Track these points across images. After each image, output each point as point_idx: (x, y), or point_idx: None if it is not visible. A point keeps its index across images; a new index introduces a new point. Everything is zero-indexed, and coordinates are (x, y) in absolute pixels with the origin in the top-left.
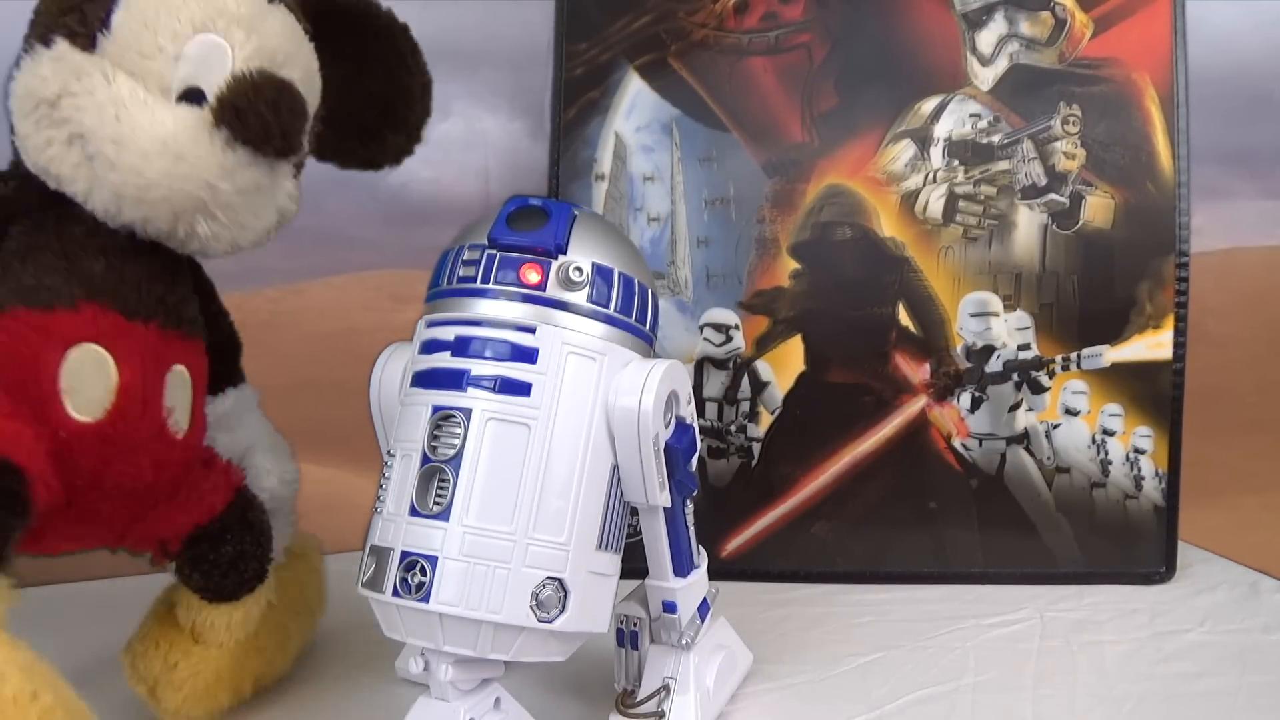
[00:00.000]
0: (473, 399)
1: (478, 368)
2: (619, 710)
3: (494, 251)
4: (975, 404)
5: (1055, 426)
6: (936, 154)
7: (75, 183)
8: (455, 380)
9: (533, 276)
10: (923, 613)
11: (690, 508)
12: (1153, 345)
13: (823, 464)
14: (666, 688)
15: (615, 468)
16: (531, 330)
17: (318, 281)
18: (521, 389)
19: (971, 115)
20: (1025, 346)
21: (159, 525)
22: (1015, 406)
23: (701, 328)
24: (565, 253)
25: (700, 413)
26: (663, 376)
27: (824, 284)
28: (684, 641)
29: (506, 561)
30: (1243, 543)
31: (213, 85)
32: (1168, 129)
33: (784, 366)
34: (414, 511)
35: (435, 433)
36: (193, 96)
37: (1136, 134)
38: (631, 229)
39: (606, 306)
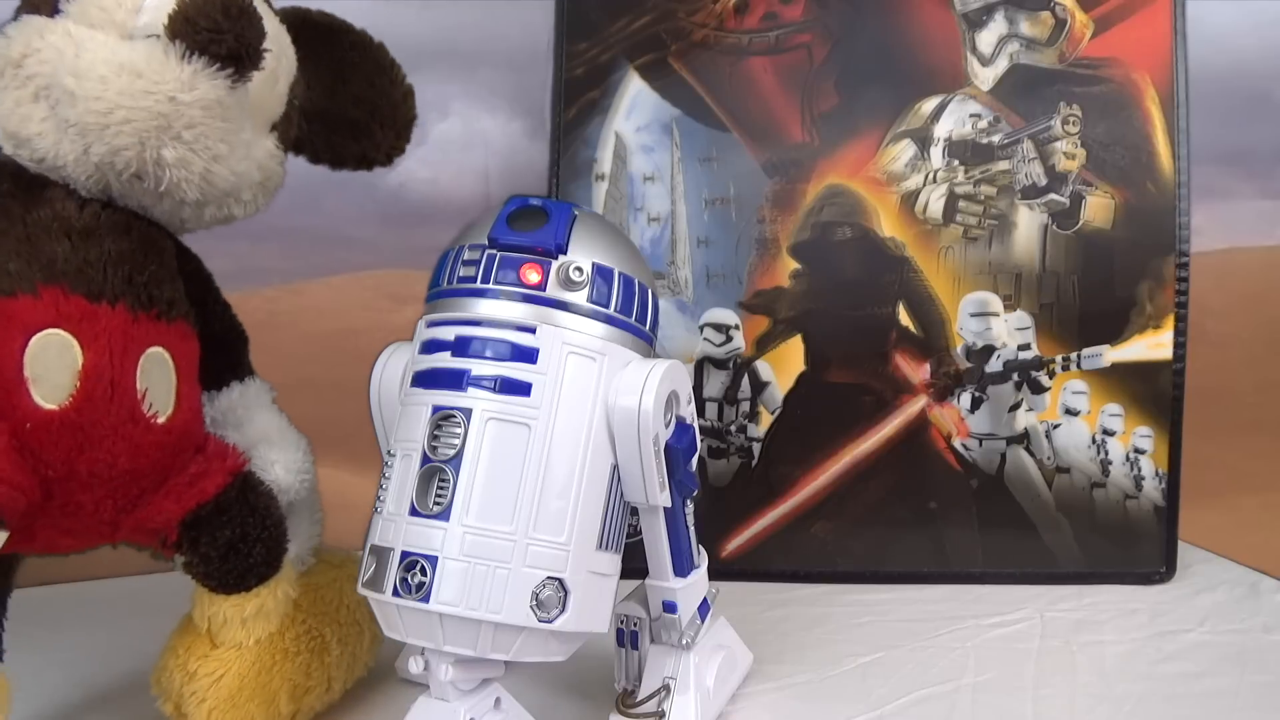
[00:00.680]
0: (473, 399)
1: (478, 368)
2: (619, 710)
3: (494, 251)
4: (975, 404)
5: (1055, 426)
6: (936, 154)
7: (43, 138)
8: (455, 380)
9: (533, 276)
10: (923, 613)
11: (690, 508)
12: (1153, 345)
13: (823, 464)
14: (666, 688)
15: (615, 468)
16: (532, 330)
17: (316, 281)
18: (522, 389)
19: (972, 115)
20: (1025, 346)
21: (151, 515)
22: (1015, 406)
23: (701, 328)
24: (565, 253)
25: (700, 413)
26: (663, 376)
27: (824, 284)
28: (684, 641)
29: (507, 561)
30: (1241, 543)
31: None
32: (1168, 129)
33: (784, 366)
34: (414, 511)
35: (435, 433)
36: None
37: (1136, 134)
38: (631, 229)
39: (607, 306)
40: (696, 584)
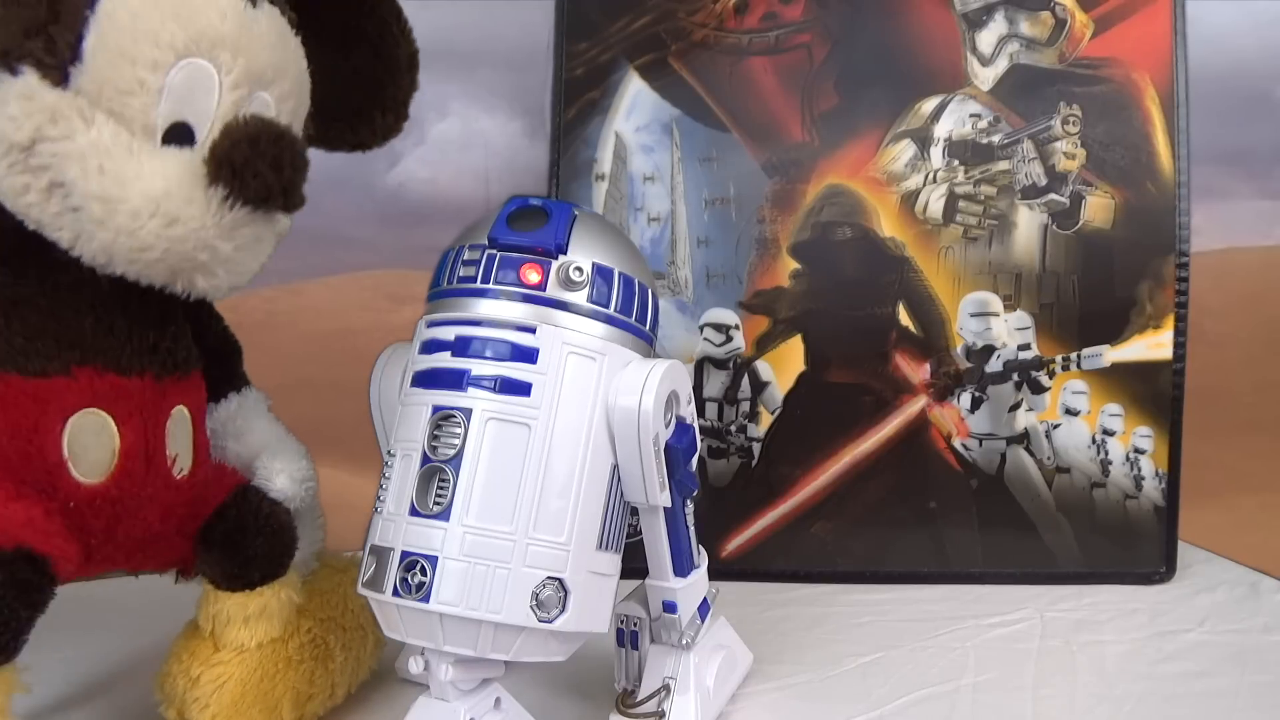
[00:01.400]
0: (473, 399)
1: (478, 368)
2: (619, 710)
3: (494, 251)
4: (975, 404)
5: (1055, 426)
6: (936, 154)
7: (59, 230)
8: (455, 380)
9: (533, 276)
10: (923, 613)
11: (690, 508)
12: (1153, 345)
13: (823, 464)
14: (666, 688)
15: (615, 467)
16: (532, 330)
17: (315, 281)
18: (522, 389)
19: (971, 115)
20: (1025, 346)
21: (169, 554)
22: (1015, 406)
23: (701, 328)
24: (565, 253)
25: (700, 413)
26: (663, 376)
27: (824, 284)
28: (684, 641)
29: (506, 561)
30: (1240, 543)
31: (200, 118)
32: (1168, 129)
33: (784, 366)
34: (414, 511)
35: (435, 433)
36: (179, 133)
37: (1136, 134)
38: (631, 229)
39: (607, 306)
40: (696, 584)
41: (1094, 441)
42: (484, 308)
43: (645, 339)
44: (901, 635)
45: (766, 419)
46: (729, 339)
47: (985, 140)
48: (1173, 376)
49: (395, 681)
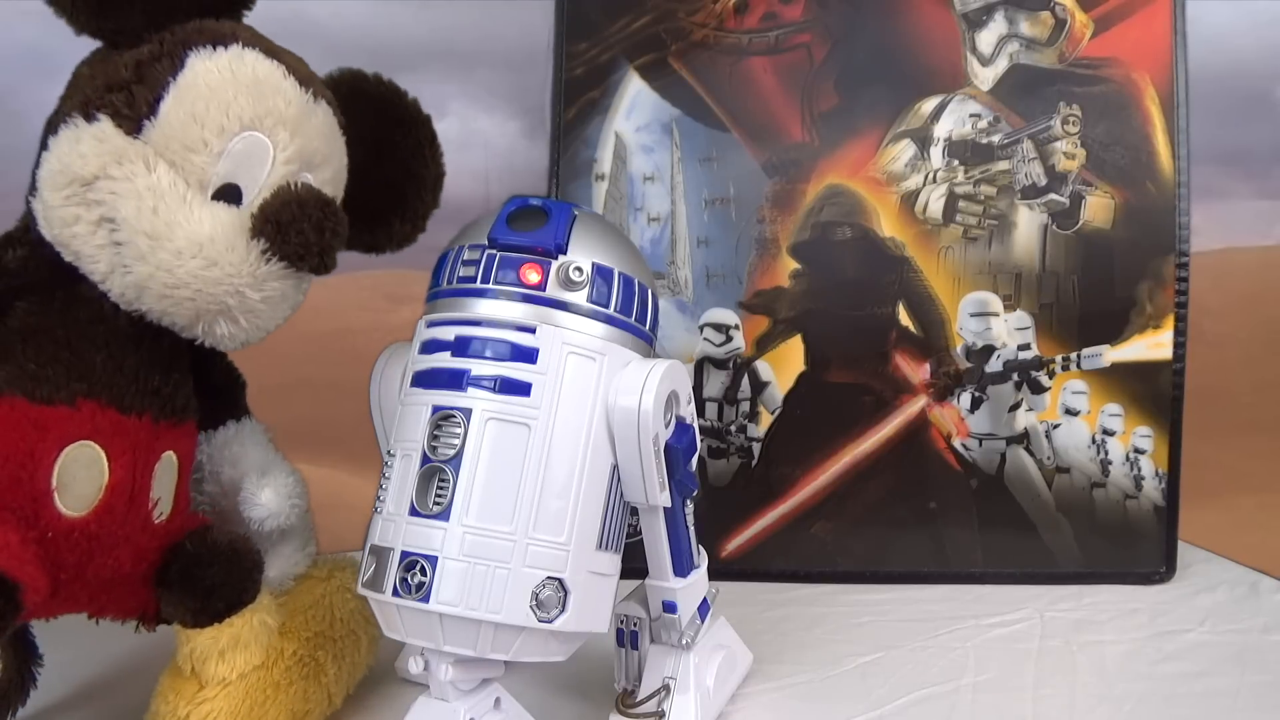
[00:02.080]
0: (473, 399)
1: (478, 368)
2: (619, 710)
3: (494, 251)
4: (975, 404)
5: (1055, 426)
6: (936, 154)
7: (95, 262)
8: (455, 380)
9: (533, 276)
10: (923, 613)
11: (690, 508)
12: (1153, 345)
13: (823, 464)
14: (666, 688)
15: (615, 467)
16: (531, 330)
17: (313, 281)
18: (521, 389)
19: (971, 115)
20: (1025, 346)
21: (133, 602)
22: (1015, 406)
23: (701, 328)
24: (565, 253)
25: (700, 413)
26: (663, 376)
27: (824, 284)
28: (684, 641)
29: (506, 561)
30: (1239, 543)
31: (250, 184)
32: (1168, 129)
33: (784, 366)
34: (414, 511)
35: (435, 433)
36: (228, 193)
37: (1136, 134)
38: (631, 229)
39: (606, 306)
40: (696, 584)
41: (1094, 441)
42: (484, 308)
43: (645, 339)
44: (901, 635)
45: (766, 419)
46: (729, 339)
47: (985, 140)
48: (1172, 376)
49: (395, 681)
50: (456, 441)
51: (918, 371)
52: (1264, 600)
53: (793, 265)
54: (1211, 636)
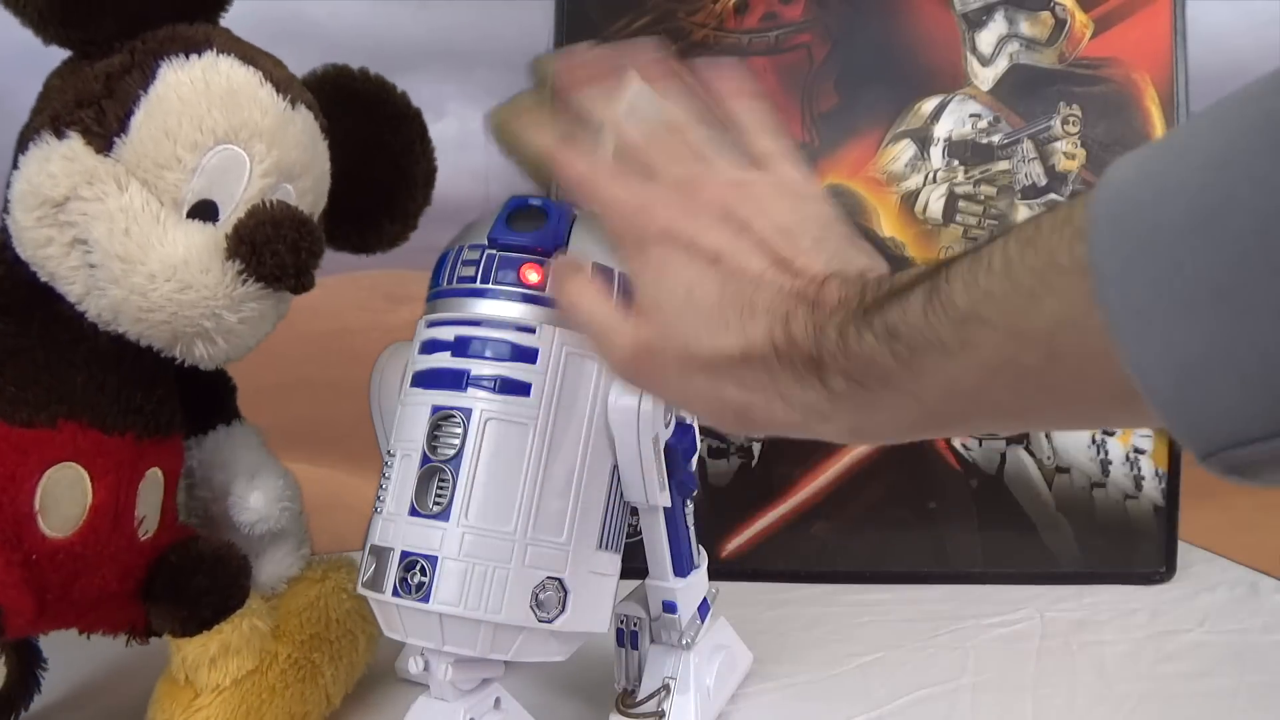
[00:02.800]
0: (473, 399)
1: (478, 368)
2: (619, 710)
3: (494, 251)
4: None
5: None
6: (936, 154)
7: (71, 284)
8: (455, 380)
9: (533, 276)
10: (923, 613)
11: (690, 508)
12: None
13: (823, 464)
14: (666, 687)
15: (615, 468)
16: (531, 330)
17: None
18: (521, 389)
19: (971, 115)
20: None
21: (121, 618)
22: None
23: None
24: (565, 252)
25: None
26: None
27: None
28: (684, 641)
29: (506, 561)
30: (1237, 543)
31: (227, 199)
32: (1168, 129)
33: None
34: (414, 511)
35: (435, 433)
36: (204, 209)
37: (1136, 134)
38: None
39: None
40: (696, 584)
41: (1094, 441)
42: (484, 308)
43: None
44: (901, 635)
45: None
46: None
47: (985, 140)
48: None
49: (395, 681)
50: (456, 441)
51: None
52: (1264, 600)
53: None
54: (1211, 636)
